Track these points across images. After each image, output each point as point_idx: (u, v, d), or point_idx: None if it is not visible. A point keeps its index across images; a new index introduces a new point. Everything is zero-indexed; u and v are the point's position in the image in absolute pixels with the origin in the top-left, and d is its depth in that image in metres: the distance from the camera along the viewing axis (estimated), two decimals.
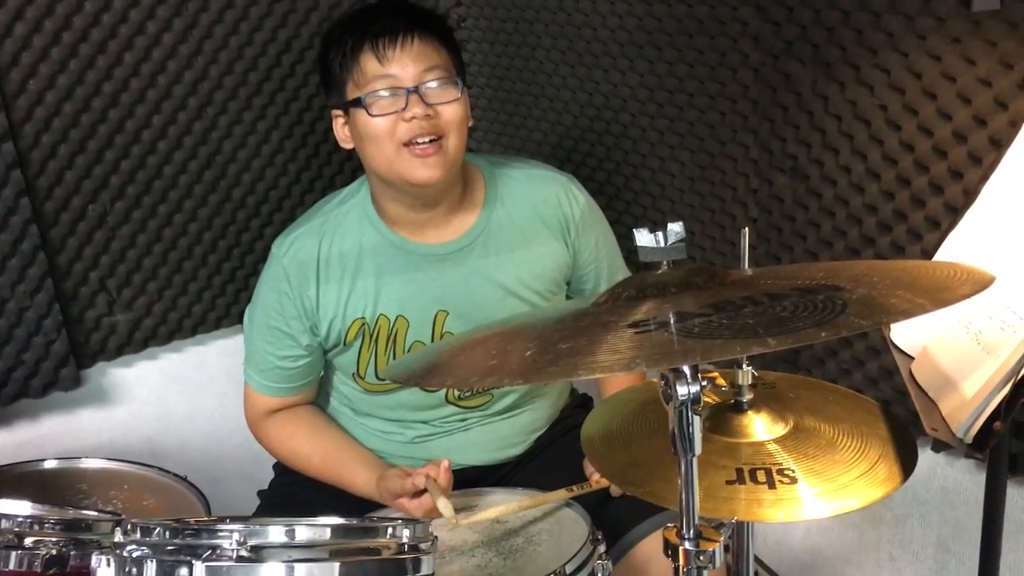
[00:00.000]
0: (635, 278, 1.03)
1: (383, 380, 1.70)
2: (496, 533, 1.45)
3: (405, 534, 1.07)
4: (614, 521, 1.51)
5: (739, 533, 1.23)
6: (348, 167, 2.23)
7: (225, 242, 2.16)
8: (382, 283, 1.65)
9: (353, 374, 1.72)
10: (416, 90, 1.53)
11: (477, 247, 1.67)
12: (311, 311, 1.65)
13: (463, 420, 1.74)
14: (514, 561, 1.38)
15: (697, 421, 0.96)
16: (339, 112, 1.61)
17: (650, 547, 1.52)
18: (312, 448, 1.73)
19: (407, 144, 1.53)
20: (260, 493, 1.82)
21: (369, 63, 1.54)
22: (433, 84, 1.54)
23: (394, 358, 1.67)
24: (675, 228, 0.98)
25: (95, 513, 1.26)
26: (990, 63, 1.41)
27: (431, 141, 1.53)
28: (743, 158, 1.84)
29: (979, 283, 0.90)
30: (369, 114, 1.53)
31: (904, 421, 1.20)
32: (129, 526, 1.06)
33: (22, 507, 1.18)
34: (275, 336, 1.69)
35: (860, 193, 1.65)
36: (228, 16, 2.03)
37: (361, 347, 1.68)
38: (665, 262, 1.00)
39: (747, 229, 1.16)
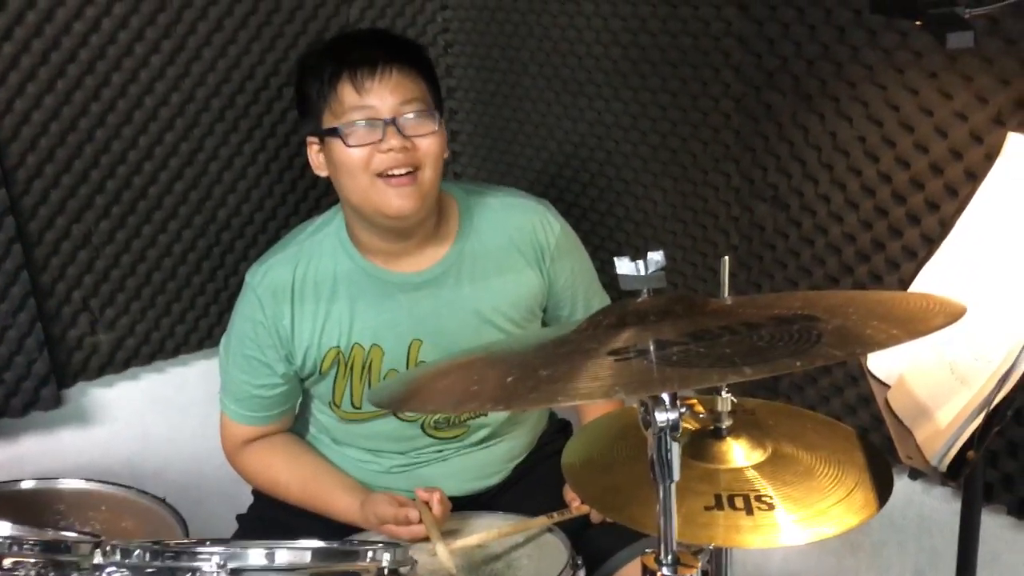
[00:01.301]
0: (616, 306, 1.04)
1: (358, 409, 1.70)
2: (476, 558, 1.46)
3: (385, 558, 1.07)
4: (595, 547, 1.52)
5: (717, 559, 1.24)
6: (333, 190, 2.23)
7: (209, 263, 2.16)
8: (356, 312, 1.64)
9: (329, 403, 1.71)
10: (394, 122, 1.53)
11: (451, 276, 1.67)
12: (286, 339, 1.65)
13: (439, 451, 1.74)
14: None
15: (676, 448, 0.97)
16: (314, 140, 1.61)
17: (630, 573, 1.52)
18: (291, 476, 1.73)
19: (381, 175, 1.53)
20: (239, 517, 1.81)
21: (347, 93, 1.54)
22: (411, 116, 1.55)
23: (369, 387, 1.67)
24: (655, 257, 0.99)
25: (74, 534, 1.25)
26: (966, 97, 1.44)
27: (407, 173, 1.53)
28: (724, 187, 1.87)
29: (952, 314, 0.92)
30: (346, 144, 1.53)
31: (880, 449, 1.22)
32: (108, 548, 1.06)
33: (2, 528, 1.17)
34: (251, 365, 1.69)
35: (839, 223, 1.67)
36: (216, 39, 2.04)
37: (336, 376, 1.67)
38: (645, 290, 1.02)
39: (727, 258, 1.17)
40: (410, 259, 1.66)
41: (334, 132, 1.54)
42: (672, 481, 0.98)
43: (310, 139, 1.62)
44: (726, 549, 1.23)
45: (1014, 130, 1.30)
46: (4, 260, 1.90)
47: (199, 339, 2.20)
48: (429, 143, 1.56)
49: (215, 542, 1.11)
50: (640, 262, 1.00)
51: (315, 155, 1.62)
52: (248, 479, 1.79)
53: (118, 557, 1.04)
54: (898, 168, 1.55)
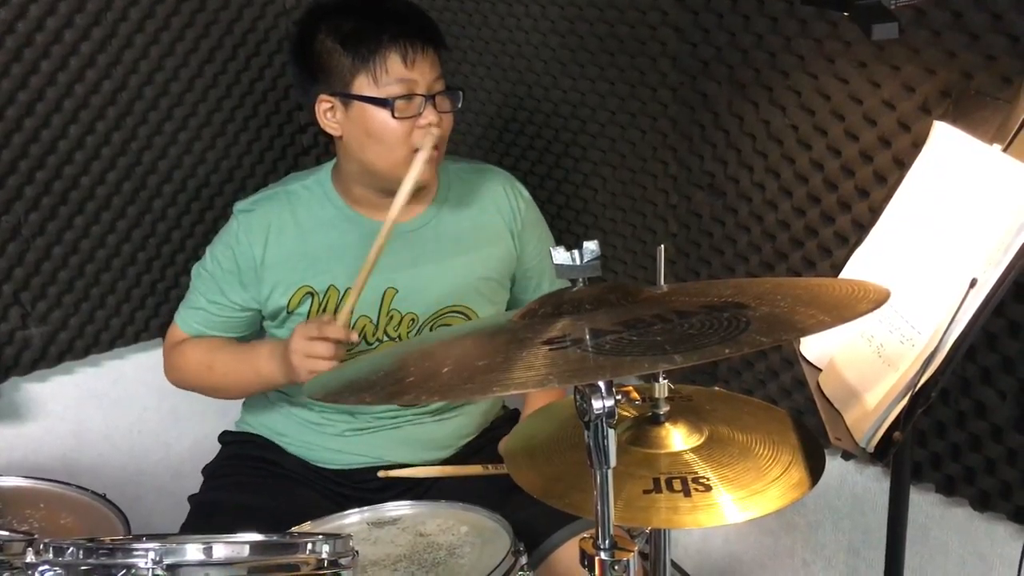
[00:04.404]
0: (552, 295, 1.05)
1: None
2: (419, 546, 1.46)
3: (325, 550, 1.07)
4: (532, 528, 1.53)
5: (656, 540, 1.26)
6: (272, 179, 2.21)
7: (144, 254, 2.13)
8: (334, 254, 1.70)
9: None
10: (433, 98, 1.59)
11: (430, 229, 1.73)
12: (249, 268, 1.70)
13: (394, 418, 1.76)
14: (437, 574, 1.39)
15: (612, 434, 0.98)
16: (329, 100, 1.62)
17: (568, 553, 1.54)
18: (215, 352, 1.77)
19: (416, 149, 1.59)
20: (191, 498, 1.79)
21: (394, 64, 1.57)
22: (443, 93, 1.62)
23: None
24: (590, 246, 1.01)
25: (7, 533, 1.23)
26: (894, 86, 1.47)
27: (434, 147, 1.60)
28: (663, 175, 1.89)
29: (877, 300, 0.94)
30: (393, 116, 1.57)
31: (812, 430, 1.25)
32: (41, 546, 1.04)
33: None
34: (207, 281, 1.75)
35: (774, 210, 1.70)
36: (148, 26, 2.00)
37: (308, 316, 1.71)
38: (581, 279, 1.03)
39: (663, 247, 1.19)
40: None
41: (379, 102, 1.57)
42: (608, 467, 1.00)
43: (324, 98, 1.62)
44: (664, 531, 1.25)
45: (939, 119, 1.34)
46: None
47: (135, 332, 2.16)
48: (449, 120, 1.64)
49: (151, 538, 1.10)
50: (575, 252, 1.01)
51: (327, 114, 1.63)
52: (176, 373, 1.82)
53: (51, 555, 1.02)
54: (829, 156, 1.59)
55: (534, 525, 1.54)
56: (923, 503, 1.61)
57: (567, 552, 1.54)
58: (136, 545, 1.00)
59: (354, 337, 1.59)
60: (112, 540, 1.08)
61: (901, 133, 1.47)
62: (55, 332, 2.06)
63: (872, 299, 0.95)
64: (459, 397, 0.82)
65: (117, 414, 2.22)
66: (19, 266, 1.99)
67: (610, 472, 1.00)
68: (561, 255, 1.00)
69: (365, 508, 1.55)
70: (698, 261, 1.86)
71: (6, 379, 2.04)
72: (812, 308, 0.94)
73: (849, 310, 0.92)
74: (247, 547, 1.03)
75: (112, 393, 2.21)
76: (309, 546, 1.06)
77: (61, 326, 2.07)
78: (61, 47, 1.92)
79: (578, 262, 1.01)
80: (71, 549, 1.02)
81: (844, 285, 1.03)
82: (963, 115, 1.31)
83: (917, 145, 1.37)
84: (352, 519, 1.54)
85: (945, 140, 1.30)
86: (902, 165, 1.44)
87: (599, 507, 1.02)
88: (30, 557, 1.03)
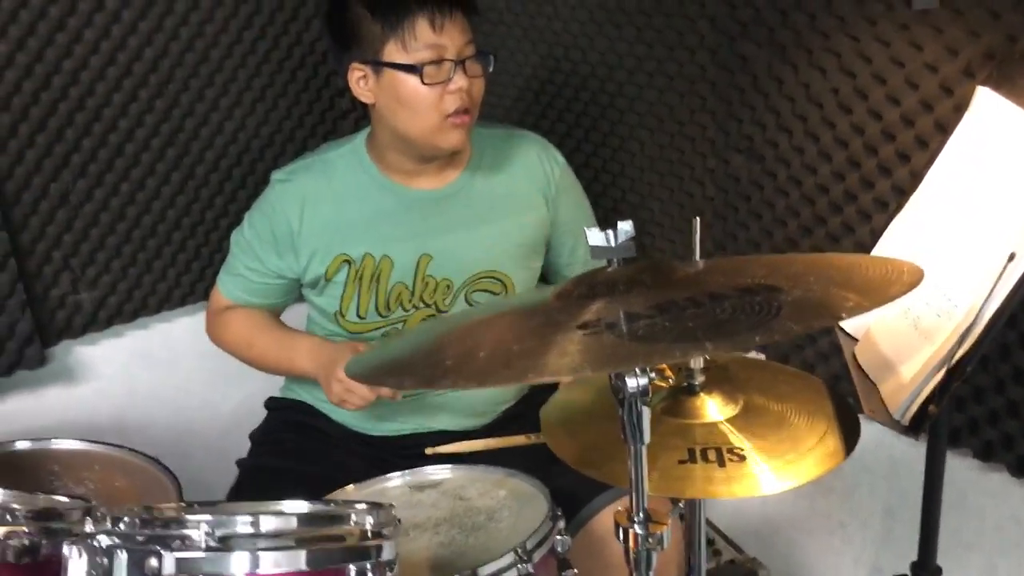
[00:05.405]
0: (586, 275, 1.06)
1: (363, 319, 1.77)
2: (459, 510, 1.49)
3: (369, 521, 1.10)
4: (571, 495, 1.56)
5: (691, 508, 1.28)
6: (312, 144, 2.23)
7: (188, 220, 2.17)
8: (370, 223, 1.72)
9: (335, 313, 1.77)
10: (463, 63, 1.59)
11: (463, 196, 1.75)
12: (285, 237, 1.73)
13: None
14: (476, 538, 1.42)
15: (646, 412, 1.00)
16: (361, 68, 1.63)
17: (606, 520, 1.57)
18: (257, 331, 1.82)
19: (447, 115, 1.60)
20: (239, 462, 1.85)
21: (423, 29, 1.57)
22: (473, 58, 1.61)
23: (376, 298, 1.75)
24: (624, 227, 1.01)
25: (66, 500, 1.28)
26: (936, 50, 1.45)
27: (465, 111, 1.61)
28: (700, 138, 1.87)
29: (911, 282, 0.94)
30: (422, 82, 1.58)
31: (847, 399, 1.25)
32: (99, 514, 1.08)
33: None
34: (244, 248, 1.79)
35: (813, 174, 1.69)
36: None
37: (346, 284, 1.74)
38: (616, 260, 1.03)
39: (698, 219, 1.19)
40: (427, 178, 1.74)
41: (409, 68, 1.58)
42: (643, 443, 1.01)
43: (356, 67, 1.64)
44: (699, 500, 1.27)
45: (983, 83, 1.32)
46: None
47: (182, 295, 2.21)
48: (480, 85, 1.65)
49: (203, 506, 1.14)
50: (610, 232, 1.02)
51: (359, 83, 1.65)
52: (219, 338, 1.88)
53: (108, 524, 1.06)
54: (870, 120, 1.57)
55: (573, 493, 1.56)
56: (960, 468, 1.61)
57: (605, 519, 1.57)
58: (190, 516, 1.03)
59: (398, 397, 1.66)
60: (167, 508, 1.11)
61: (943, 97, 1.45)
62: (104, 297, 2.12)
63: (905, 281, 0.94)
64: (496, 383, 0.84)
65: (165, 376, 2.28)
66: (68, 232, 2.04)
67: (644, 448, 1.02)
68: (596, 236, 1.01)
69: (407, 472, 1.59)
70: (736, 225, 1.86)
71: (58, 342, 2.11)
72: (845, 290, 0.94)
73: (882, 293, 0.92)
74: (295, 519, 1.07)
75: (160, 355, 2.27)
76: (354, 517, 1.09)
77: (110, 291, 2.12)
78: (103, 16, 1.94)
79: (612, 243, 1.01)
80: (127, 519, 1.06)
81: (878, 265, 1.03)
82: (1007, 79, 1.29)
83: (959, 109, 1.35)
84: (394, 483, 1.58)
85: (988, 107, 1.28)
86: (944, 130, 1.42)
87: (633, 482, 1.04)
88: (88, 526, 1.07)
